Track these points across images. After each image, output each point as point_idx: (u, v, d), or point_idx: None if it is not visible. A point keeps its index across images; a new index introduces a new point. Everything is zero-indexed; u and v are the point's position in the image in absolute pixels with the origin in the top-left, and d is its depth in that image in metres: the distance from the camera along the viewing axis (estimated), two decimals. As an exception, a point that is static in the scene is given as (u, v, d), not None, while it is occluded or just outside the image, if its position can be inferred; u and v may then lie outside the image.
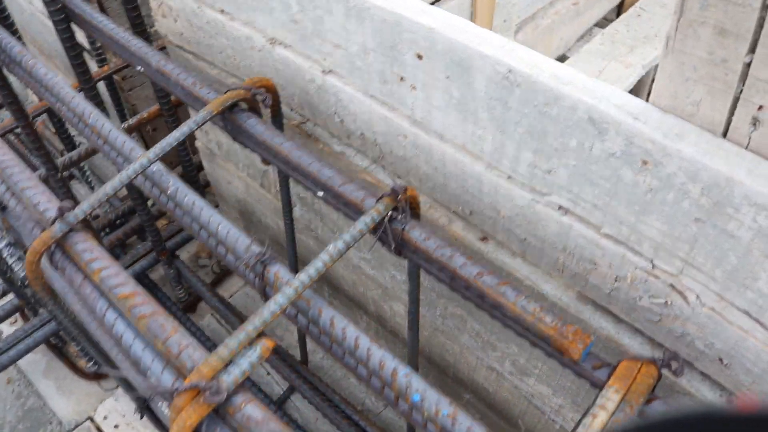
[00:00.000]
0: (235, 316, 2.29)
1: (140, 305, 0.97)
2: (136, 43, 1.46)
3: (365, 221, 1.02)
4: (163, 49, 1.87)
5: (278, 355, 2.10)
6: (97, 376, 2.26)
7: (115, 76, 2.20)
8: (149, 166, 1.15)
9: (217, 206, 2.37)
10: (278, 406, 2.10)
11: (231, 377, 0.86)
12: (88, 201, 1.11)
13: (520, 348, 1.37)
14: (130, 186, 1.88)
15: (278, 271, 1.01)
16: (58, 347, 2.33)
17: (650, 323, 1.07)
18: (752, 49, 0.78)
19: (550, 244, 1.12)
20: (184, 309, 2.41)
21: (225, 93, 1.25)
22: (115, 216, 2.41)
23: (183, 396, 0.84)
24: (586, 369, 0.93)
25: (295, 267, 1.77)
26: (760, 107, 0.81)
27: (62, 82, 1.38)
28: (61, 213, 1.08)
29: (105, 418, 2.14)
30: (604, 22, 3.50)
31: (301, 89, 1.39)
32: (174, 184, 1.16)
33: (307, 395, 2.03)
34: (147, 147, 2.41)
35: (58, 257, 1.09)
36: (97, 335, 1.13)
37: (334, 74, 1.28)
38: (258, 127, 1.24)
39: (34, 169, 2.28)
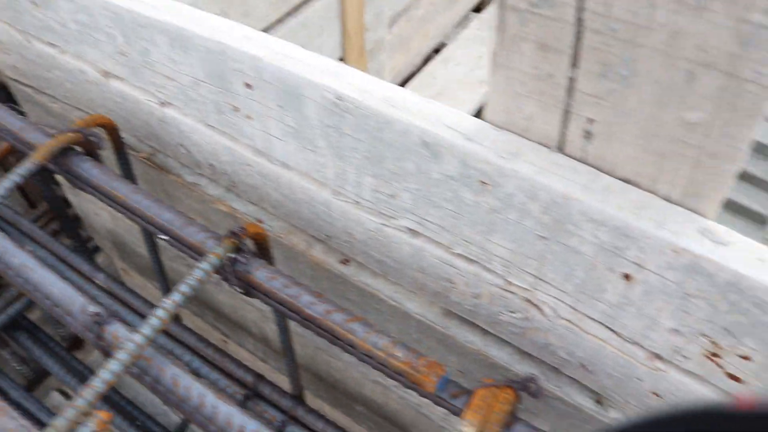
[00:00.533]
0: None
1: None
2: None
3: (204, 267, 0.91)
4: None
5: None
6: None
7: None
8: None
9: (90, 239, 2.18)
10: (174, 437, 1.96)
11: (60, 468, 0.74)
12: None
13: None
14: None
15: (116, 331, 0.89)
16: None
17: (514, 335, 1.02)
18: (574, 64, 0.72)
19: (407, 265, 1.05)
20: (68, 348, 2.22)
21: (54, 137, 1.11)
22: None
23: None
24: (444, 399, 0.86)
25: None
26: (590, 120, 0.76)
27: None
28: None
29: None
30: (480, 7, 3.47)
31: (144, 122, 1.26)
32: (2, 244, 1.02)
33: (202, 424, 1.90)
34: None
35: None
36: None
37: (171, 106, 1.16)
38: (92, 170, 1.10)
39: None
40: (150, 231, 1.06)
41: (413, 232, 0.98)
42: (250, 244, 0.98)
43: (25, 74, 1.49)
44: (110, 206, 1.08)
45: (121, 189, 1.05)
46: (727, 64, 0.63)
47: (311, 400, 1.77)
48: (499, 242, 0.88)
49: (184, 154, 1.25)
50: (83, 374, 2.03)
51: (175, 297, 0.87)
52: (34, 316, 2.23)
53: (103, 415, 0.79)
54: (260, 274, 0.92)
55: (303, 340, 1.50)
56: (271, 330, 1.64)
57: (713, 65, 0.64)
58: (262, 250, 1.01)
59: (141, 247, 1.82)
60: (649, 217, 0.75)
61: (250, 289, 0.94)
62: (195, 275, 0.89)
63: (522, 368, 1.06)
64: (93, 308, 0.92)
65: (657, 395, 0.92)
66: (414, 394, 1.36)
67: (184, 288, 0.88)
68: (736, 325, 0.76)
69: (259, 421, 0.83)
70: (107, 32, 1.13)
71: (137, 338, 0.83)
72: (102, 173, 1.09)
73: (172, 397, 0.87)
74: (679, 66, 0.66)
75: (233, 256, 0.93)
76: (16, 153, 2.17)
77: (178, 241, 1.00)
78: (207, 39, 0.96)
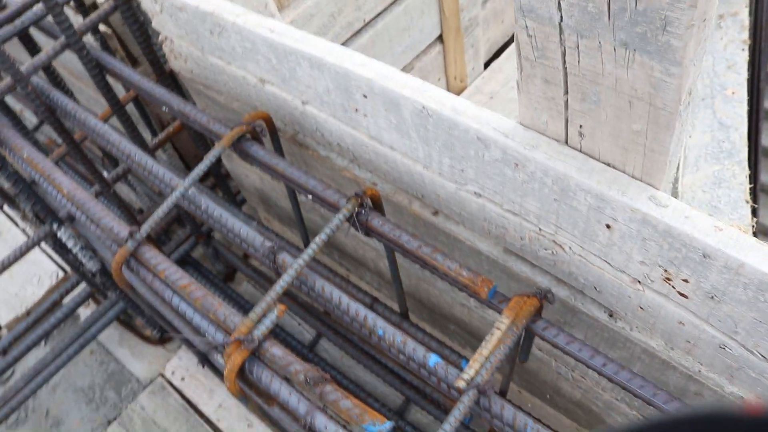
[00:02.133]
0: (266, 280, 2.81)
1: (195, 291, 1.47)
2: (159, 91, 1.93)
3: (339, 217, 1.50)
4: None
5: (304, 309, 2.62)
6: (161, 341, 2.81)
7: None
8: (187, 192, 1.63)
9: (238, 192, 2.86)
10: (310, 349, 2.63)
11: (260, 331, 1.36)
12: (147, 223, 1.60)
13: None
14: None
15: (284, 258, 1.50)
16: (126, 322, 2.88)
17: (550, 266, 1.54)
18: (566, 92, 1.23)
19: (476, 216, 1.59)
20: (224, 279, 2.94)
21: (233, 129, 1.73)
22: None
23: (231, 346, 1.35)
24: (494, 303, 1.41)
25: (306, 239, 2.26)
26: (581, 126, 1.26)
27: (107, 128, 1.86)
28: (131, 234, 1.58)
29: (173, 373, 2.70)
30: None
31: (289, 113, 1.86)
32: (205, 202, 1.65)
33: (331, 338, 2.55)
34: (174, 146, 2.90)
35: (133, 264, 1.60)
36: (166, 313, 1.65)
37: (310, 104, 1.74)
38: (260, 152, 1.71)
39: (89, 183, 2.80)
40: (297, 192, 1.66)
41: (477, 194, 1.52)
42: (368, 201, 1.55)
43: (198, 76, 2.13)
44: (271, 175, 1.69)
45: (280, 164, 1.66)
46: (649, 98, 1.12)
47: (415, 320, 2.37)
48: (530, 202, 1.41)
49: (319, 137, 1.84)
50: (236, 300, 2.74)
51: (322, 236, 1.47)
52: (196, 254, 2.96)
53: (282, 306, 1.40)
54: (376, 221, 1.50)
55: (408, 272, 2.08)
56: (384, 265, 2.23)
57: (642, 98, 1.13)
58: (377, 205, 1.58)
59: (282, 202, 2.46)
60: (616, 188, 1.25)
61: (369, 231, 1.52)
62: (334, 222, 1.48)
63: (558, 290, 1.59)
64: (269, 243, 1.53)
65: (642, 309, 1.43)
66: (491, 312, 1.92)
67: (327, 230, 1.47)
68: (675, 258, 1.25)
69: (377, 313, 1.41)
70: (264, 55, 1.72)
71: (300, 262, 1.44)
72: (266, 153, 1.70)
73: (320, 299, 1.47)
74: (623, 98, 1.15)
75: (358, 209, 1.51)
76: (179, 135, 2.86)
77: (320, 199, 1.59)
78: (335, 65, 1.53)
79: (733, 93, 2.61)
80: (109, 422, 2.68)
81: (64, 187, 1.76)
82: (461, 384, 1.26)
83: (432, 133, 1.46)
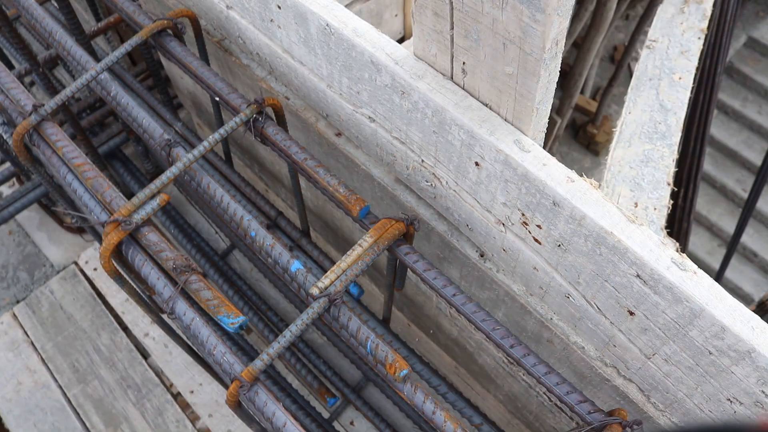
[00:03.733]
0: (193, 188, 2.88)
1: (88, 171, 1.54)
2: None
3: (236, 120, 1.57)
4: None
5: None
6: (79, 230, 2.88)
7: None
8: (98, 76, 1.69)
9: (175, 97, 2.90)
10: (222, 257, 2.72)
11: (139, 215, 1.44)
12: (54, 100, 1.65)
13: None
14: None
15: (179, 152, 1.57)
16: (48, 207, 2.94)
17: (432, 199, 1.64)
18: (452, 27, 1.30)
19: (370, 141, 1.67)
20: (150, 178, 3.00)
21: (154, 22, 1.77)
22: (93, 100, 2.96)
23: (109, 225, 1.43)
24: (364, 222, 1.50)
25: (227, 147, 2.34)
26: (464, 63, 1.34)
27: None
28: (35, 108, 1.63)
29: (86, 262, 2.78)
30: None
31: (216, 17, 1.90)
32: (115, 89, 1.71)
33: (243, 250, 2.64)
34: (120, 37, 2.92)
35: (35, 138, 1.66)
36: (64, 191, 1.72)
37: (234, 10, 1.79)
38: (177, 48, 1.76)
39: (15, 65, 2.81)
40: (209, 93, 1.72)
41: (371, 119, 1.60)
42: (269, 111, 1.62)
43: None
44: (185, 74, 1.75)
45: (194, 63, 1.71)
46: (519, 42, 1.20)
47: (321, 243, 2.47)
48: (414, 132, 1.49)
49: (241, 44, 1.89)
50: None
51: (216, 136, 1.54)
52: (128, 151, 3.01)
53: (164, 196, 1.48)
54: (270, 130, 1.57)
55: (316, 193, 2.16)
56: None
57: (513, 41, 1.21)
58: (279, 117, 1.65)
59: (210, 108, 2.52)
60: (486, 128, 1.34)
61: (263, 139, 1.59)
62: (230, 124, 1.55)
63: (438, 225, 1.68)
64: (167, 135, 1.60)
65: (504, 251, 1.53)
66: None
67: (222, 131, 1.54)
68: (530, 203, 1.35)
69: (278, 227, 1.50)
70: (198, -49, 1.76)
71: (190, 156, 1.51)
72: (182, 51, 1.75)
73: (205, 195, 1.55)
74: (498, 38, 1.23)
75: (256, 116, 1.58)
76: (123, 23, 2.88)
77: (224, 102, 1.66)
78: (256, -28, 1.58)
79: (680, 78, 2.69)
80: (18, 302, 2.76)
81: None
82: (315, 291, 1.36)
83: (334, 51, 1.53)
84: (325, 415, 2.42)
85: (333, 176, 1.52)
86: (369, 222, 1.50)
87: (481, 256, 1.64)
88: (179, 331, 1.88)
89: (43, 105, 1.64)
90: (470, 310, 1.41)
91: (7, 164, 2.78)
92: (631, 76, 4.03)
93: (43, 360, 2.60)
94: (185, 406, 2.49)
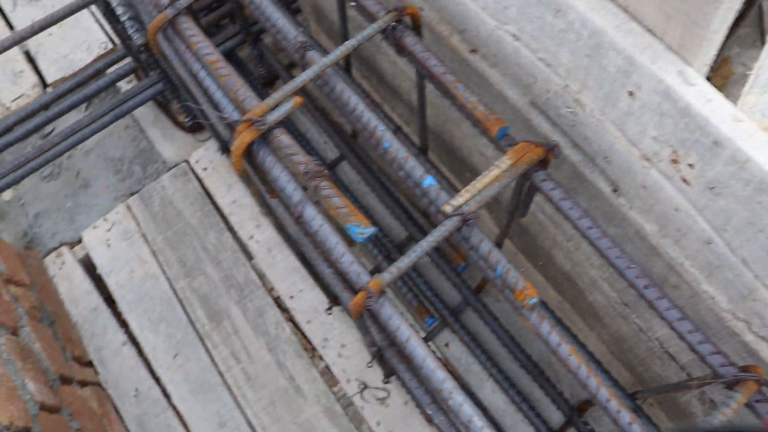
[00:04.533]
0: (304, 94, 2.87)
1: (222, 68, 1.54)
2: None
3: (374, 27, 1.53)
4: None
5: (334, 129, 2.70)
6: (192, 129, 2.93)
7: None
8: (235, -29, 1.67)
9: (294, 1, 2.86)
10: (329, 167, 2.73)
11: (273, 117, 1.44)
12: (190, -7, 1.65)
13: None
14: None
15: (313, 55, 1.55)
16: (163, 104, 2.99)
17: (569, 127, 1.57)
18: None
19: (510, 60, 1.61)
20: (263, 84, 3.01)
21: None
22: (211, 0, 2.96)
23: (242, 125, 1.43)
24: (501, 144, 1.46)
25: (348, 63, 2.30)
26: (632, -19, 1.25)
27: None
28: (172, 1, 1.63)
29: (197, 162, 2.84)
30: None
31: None
32: (253, -11, 1.68)
33: (352, 162, 2.64)
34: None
35: (169, 32, 1.66)
36: (192, 89, 1.73)
37: None
38: (316, -53, 1.72)
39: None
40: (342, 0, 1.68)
41: (515, 37, 1.52)
42: (407, 20, 1.57)
43: None
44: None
45: (333, -35, 1.67)
46: (703, -37, 1.10)
47: (435, 161, 2.43)
48: (564, 54, 1.42)
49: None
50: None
51: (353, 41, 1.51)
52: (243, 54, 3.02)
53: (298, 99, 1.46)
54: (409, 39, 1.53)
55: (437, 110, 2.11)
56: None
57: (697, -38, 1.11)
58: (415, 27, 1.60)
59: (333, 14, 2.47)
60: (648, 56, 1.25)
61: (401, 49, 1.55)
62: (368, 31, 1.51)
63: (571, 154, 1.62)
64: (302, 38, 1.58)
65: (644, 188, 1.46)
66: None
67: (360, 37, 1.50)
68: (686, 140, 1.27)
69: (389, 129, 1.47)
70: None
71: (325, 60, 1.49)
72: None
73: (338, 102, 1.53)
74: (678, -42, 1.13)
75: (394, 24, 1.53)
76: None
77: (360, 7, 1.62)
78: None
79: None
80: (132, 194, 2.86)
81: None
82: (448, 209, 1.34)
83: (485, -38, 1.45)
84: (422, 334, 2.44)
85: (472, 93, 1.47)
86: (505, 144, 1.45)
87: (615, 191, 1.58)
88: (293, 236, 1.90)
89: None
90: (605, 245, 1.37)
91: (127, 60, 2.83)
92: (761, 15, 3.73)
93: (153, 252, 2.70)
94: (284, 310, 2.55)
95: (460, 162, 2.25)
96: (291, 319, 2.54)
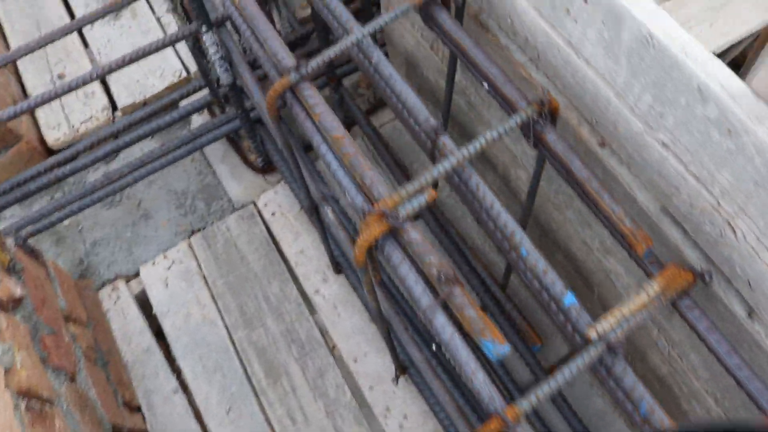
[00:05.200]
0: (382, 144, 2.79)
1: (347, 146, 1.46)
2: None
3: (515, 120, 1.44)
4: None
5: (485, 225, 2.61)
6: (263, 170, 2.85)
7: None
8: (363, 40, 1.59)
9: (383, 44, 2.78)
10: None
11: (405, 210, 1.35)
12: (315, 60, 1.57)
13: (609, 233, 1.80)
14: (315, 17, 2.33)
15: (446, 141, 1.46)
16: (234, 141, 2.92)
17: (708, 244, 1.47)
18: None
19: (650, 166, 1.51)
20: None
21: (426, -13, 1.65)
22: (294, 38, 2.89)
23: (373, 216, 1.34)
24: (646, 264, 1.36)
25: (446, 120, 2.22)
26: (824, 113, 1.15)
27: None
28: (297, 66, 1.55)
29: (265, 205, 2.76)
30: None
31: (485, -11, 1.76)
32: (377, 56, 1.60)
33: (430, 224, 2.55)
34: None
35: (288, 96, 1.58)
36: (301, 158, 1.64)
37: (514, -12, 1.64)
38: (447, 21, 1.63)
39: None
40: (475, 76, 1.59)
41: (665, 145, 1.43)
42: (548, 111, 1.48)
43: None
44: (451, 50, 1.62)
45: (465, 41, 1.58)
46: None
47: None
48: (724, 175, 1.32)
49: (507, 24, 1.75)
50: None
51: (494, 134, 1.42)
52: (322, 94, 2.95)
53: (433, 192, 1.37)
54: (551, 136, 1.44)
55: (540, 189, 2.02)
56: (515, 173, 2.19)
57: None
58: (552, 119, 1.51)
59: (430, 74, 2.40)
60: (836, 194, 1.16)
61: (539, 144, 1.46)
62: (509, 123, 1.43)
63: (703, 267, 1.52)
64: (434, 121, 1.49)
65: (796, 319, 1.36)
66: (611, 260, 1.88)
67: (501, 129, 1.41)
68: None
69: (522, 230, 1.38)
70: None
71: (464, 152, 1.40)
72: (453, 24, 1.63)
73: (468, 195, 1.44)
74: None
75: (536, 117, 1.44)
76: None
77: (497, 92, 1.53)
78: (568, -43, 1.42)
79: None
80: (193, 231, 2.78)
81: (237, -6, 1.73)
82: (593, 334, 1.24)
83: (646, 65, 1.36)
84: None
85: (618, 203, 1.37)
86: (649, 262, 1.36)
87: (749, 315, 1.47)
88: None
89: (306, 64, 1.55)
90: (755, 388, 1.26)
91: (203, 93, 2.76)
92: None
93: (212, 296, 2.61)
94: (346, 373, 2.46)
95: (552, 243, 2.16)
96: (353, 383, 2.44)
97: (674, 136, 1.40)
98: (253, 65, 2.73)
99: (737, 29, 3.15)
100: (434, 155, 1.49)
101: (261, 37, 1.64)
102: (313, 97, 1.53)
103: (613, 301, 2.00)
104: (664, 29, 1.31)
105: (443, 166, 1.39)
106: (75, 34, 3.25)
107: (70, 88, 2.32)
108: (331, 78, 2.73)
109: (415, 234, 1.34)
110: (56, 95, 2.31)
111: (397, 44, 2.57)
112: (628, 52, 1.39)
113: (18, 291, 2.04)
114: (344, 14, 1.66)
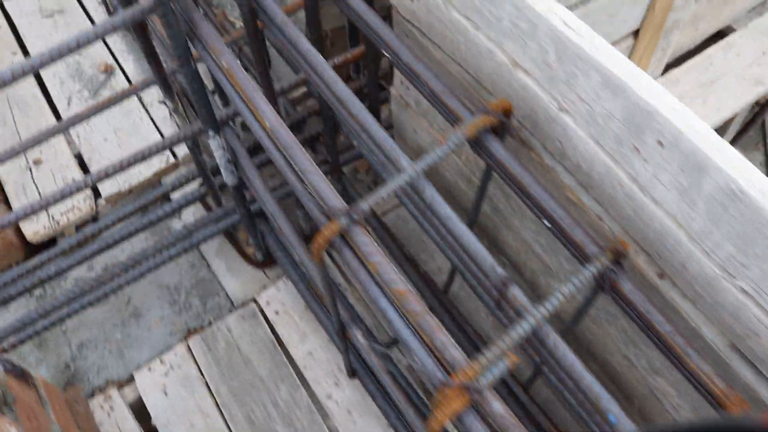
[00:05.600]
0: (385, 232, 2.70)
1: (412, 302, 1.35)
2: (387, 33, 1.75)
3: (590, 270, 1.37)
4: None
5: (424, 281, 2.52)
6: (262, 264, 2.72)
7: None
8: (416, 180, 1.50)
9: (389, 128, 2.69)
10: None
11: (486, 380, 1.26)
12: (367, 202, 1.47)
13: (660, 353, 1.73)
14: (323, 106, 2.23)
15: (516, 293, 1.38)
16: (230, 233, 2.78)
17: (788, 387, 1.42)
18: None
19: (722, 307, 1.45)
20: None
21: (478, 116, 1.57)
22: (290, 121, 2.78)
23: (453, 390, 1.24)
24: (739, 425, 1.29)
25: (471, 227, 2.14)
26: None
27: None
28: (348, 212, 1.44)
29: (267, 303, 2.63)
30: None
31: (531, 109, 1.69)
32: (429, 192, 1.51)
33: (445, 321, 2.46)
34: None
35: (337, 242, 1.47)
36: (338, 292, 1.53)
37: (569, 115, 1.57)
38: (501, 151, 1.56)
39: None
40: (534, 212, 1.52)
41: (745, 292, 1.38)
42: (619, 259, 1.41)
43: (420, 20, 1.94)
44: (509, 186, 1.55)
45: (525, 178, 1.51)
46: None
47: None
48: (819, 331, 1.27)
49: (556, 147, 1.68)
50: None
51: (570, 287, 1.34)
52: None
53: (513, 357, 1.28)
54: (627, 286, 1.37)
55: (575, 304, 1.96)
56: (546, 283, 2.11)
57: None
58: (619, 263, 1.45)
59: (449, 174, 2.32)
60: None
61: (614, 294, 1.39)
62: (584, 274, 1.35)
63: (780, 410, 1.47)
64: (501, 271, 1.40)
65: None
66: (659, 380, 1.81)
67: (571, 287, 1.34)
68: None
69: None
70: (541, 45, 1.54)
71: (543, 310, 1.31)
72: (507, 155, 1.55)
73: (545, 353, 1.35)
74: None
75: (612, 267, 1.37)
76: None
77: (561, 233, 1.46)
78: (641, 98, 1.36)
79: None
80: (190, 331, 2.63)
81: (268, 122, 1.61)
82: None
83: (730, 216, 1.30)
84: None
85: (705, 361, 1.31)
86: (742, 423, 1.29)
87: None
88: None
89: (357, 209, 1.45)
90: None
91: (194, 184, 2.62)
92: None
93: (217, 404, 2.46)
94: (363, 484, 2.33)
95: (587, 353, 2.09)
96: (372, 497, 2.32)
97: (757, 286, 1.34)
98: (252, 152, 2.61)
99: (730, 105, 3.18)
100: (501, 306, 1.40)
101: (306, 179, 1.53)
102: (368, 245, 1.43)
103: (657, 417, 1.94)
104: (753, 182, 1.26)
105: (523, 328, 1.30)
106: (51, 116, 3.07)
107: (63, 196, 2.17)
108: (334, 168, 2.63)
109: (498, 406, 1.25)
110: (46, 205, 2.16)
111: (408, 140, 2.48)
112: (709, 201, 1.33)
113: (12, 431, 1.88)
114: (393, 150, 1.56)
